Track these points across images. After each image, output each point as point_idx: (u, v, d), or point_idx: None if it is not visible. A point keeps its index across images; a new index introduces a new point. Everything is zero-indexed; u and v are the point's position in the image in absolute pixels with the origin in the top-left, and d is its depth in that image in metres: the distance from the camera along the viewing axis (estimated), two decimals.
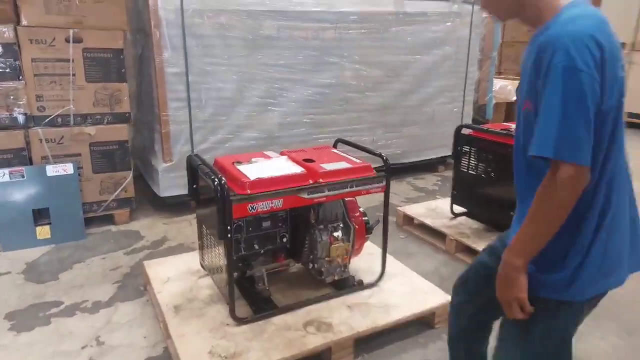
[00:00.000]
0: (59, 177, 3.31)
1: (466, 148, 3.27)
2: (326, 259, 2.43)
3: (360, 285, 2.54)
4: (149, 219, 3.79)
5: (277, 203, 2.12)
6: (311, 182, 2.20)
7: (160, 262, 2.81)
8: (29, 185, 3.23)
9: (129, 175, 3.59)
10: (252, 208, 2.07)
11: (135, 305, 2.59)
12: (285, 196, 2.13)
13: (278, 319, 2.28)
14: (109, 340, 2.30)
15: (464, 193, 3.37)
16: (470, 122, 5.11)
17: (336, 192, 2.26)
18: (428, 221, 3.42)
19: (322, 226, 2.40)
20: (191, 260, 2.75)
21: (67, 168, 3.32)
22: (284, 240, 2.28)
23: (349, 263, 2.55)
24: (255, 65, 3.79)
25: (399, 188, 4.62)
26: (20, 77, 3.09)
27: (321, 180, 2.23)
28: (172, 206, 3.82)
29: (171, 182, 3.65)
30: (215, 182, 1.99)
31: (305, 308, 2.36)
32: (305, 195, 2.18)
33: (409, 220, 3.62)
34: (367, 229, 2.57)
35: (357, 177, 2.31)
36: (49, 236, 3.31)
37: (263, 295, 2.37)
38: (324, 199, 2.24)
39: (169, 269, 2.71)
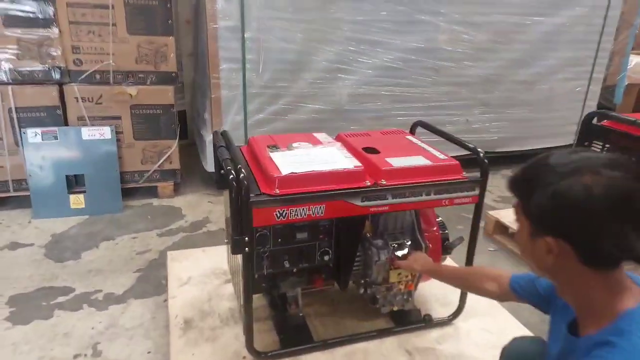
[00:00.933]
0: (95, 142, 2.95)
1: (597, 144, 2.39)
2: (383, 285, 1.79)
3: (427, 322, 1.87)
4: (195, 195, 3.36)
5: (317, 210, 1.50)
6: (369, 183, 1.55)
7: (185, 255, 2.34)
8: (62, 148, 2.91)
9: (174, 145, 3.16)
10: (281, 215, 1.47)
11: (149, 305, 2.14)
12: (329, 201, 1.50)
13: (311, 357, 1.70)
14: (107, 351, 1.88)
15: None
16: (595, 106, 4.06)
17: (405, 200, 1.58)
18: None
19: (380, 242, 1.75)
20: (222, 256, 2.24)
21: (105, 132, 2.95)
22: (326, 257, 1.66)
23: (415, 290, 1.89)
24: (326, 21, 3.12)
25: (492, 182, 3.77)
26: (55, 25, 2.71)
27: (384, 181, 1.56)
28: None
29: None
30: (231, 176, 1.42)
31: (350, 346, 1.76)
32: (359, 202, 1.53)
33: (501, 228, 2.83)
34: (445, 248, 1.88)
35: (437, 180, 1.61)
36: (83, 206, 2.99)
37: (296, 321, 1.80)
38: (386, 208, 1.58)
39: (193, 265, 2.23)
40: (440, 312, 1.95)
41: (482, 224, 2.93)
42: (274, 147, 1.71)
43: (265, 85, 3.12)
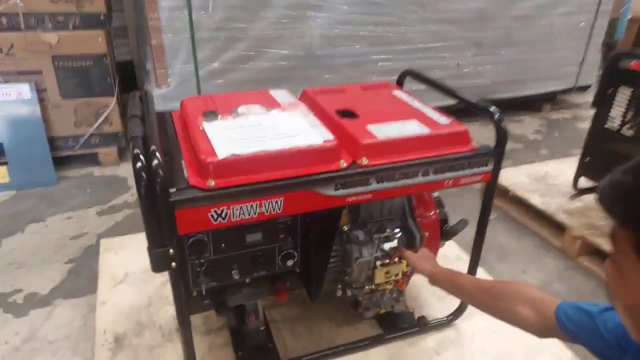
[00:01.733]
0: (12, 102, 2.41)
1: (624, 90, 1.96)
2: (366, 287, 1.40)
3: (423, 326, 1.51)
4: None
5: (273, 206, 1.07)
6: (345, 164, 1.11)
7: (123, 244, 1.91)
8: None
9: (112, 103, 2.63)
10: (219, 216, 1.03)
11: (81, 308, 1.73)
12: (289, 193, 1.07)
13: None
14: None
15: (604, 162, 2.12)
16: (599, 43, 3.60)
17: (394, 184, 1.16)
18: (536, 200, 2.24)
19: (361, 234, 1.35)
20: None
21: (22, 90, 2.41)
22: (289, 262, 1.25)
23: (407, 285, 1.51)
24: None
25: (485, 134, 3.37)
26: None
27: (365, 160, 1.13)
28: None
29: None
30: (137, 165, 0.96)
31: None
32: (331, 192, 1.11)
33: (501, 191, 2.46)
34: (445, 234, 1.49)
35: (438, 154, 1.18)
36: (7, 180, 2.49)
37: (257, 338, 1.41)
38: (369, 196, 1.16)
39: (132, 257, 1.81)
40: (437, 309, 1.59)
41: (476, 186, 2.56)
42: (211, 114, 1.24)
43: (218, 27, 2.57)
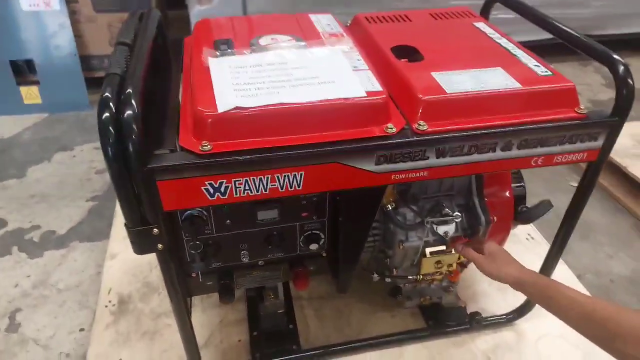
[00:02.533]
0: (40, 14, 2.20)
1: None
2: (410, 277, 1.12)
3: (475, 324, 1.23)
4: None
5: (289, 181, 0.79)
6: (394, 129, 0.79)
7: None
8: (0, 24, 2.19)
9: None
10: (217, 191, 0.77)
11: (95, 256, 1.58)
12: (313, 165, 0.78)
13: None
14: (27, 324, 1.37)
15: None
16: None
17: (460, 160, 0.83)
18: (637, 169, 1.80)
19: (410, 213, 1.05)
20: None
21: (50, 1, 2.18)
22: (313, 245, 0.98)
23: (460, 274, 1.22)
24: None
25: (581, 78, 2.82)
26: None
27: (423, 124, 0.80)
28: None
29: None
30: (104, 115, 0.70)
31: (357, 355, 1.17)
32: (371, 167, 0.80)
33: None
34: (521, 217, 1.15)
35: (528, 120, 0.83)
36: (39, 101, 2.36)
37: (274, 320, 1.19)
38: (424, 174, 0.84)
39: None
40: (496, 302, 1.30)
41: None
42: (224, 44, 0.93)
43: None
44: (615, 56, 0.86)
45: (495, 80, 0.85)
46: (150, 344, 1.17)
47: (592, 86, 2.70)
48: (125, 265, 1.38)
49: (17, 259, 1.60)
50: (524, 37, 2.65)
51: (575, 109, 0.86)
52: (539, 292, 0.87)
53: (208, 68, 0.85)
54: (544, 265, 1.14)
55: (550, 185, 1.95)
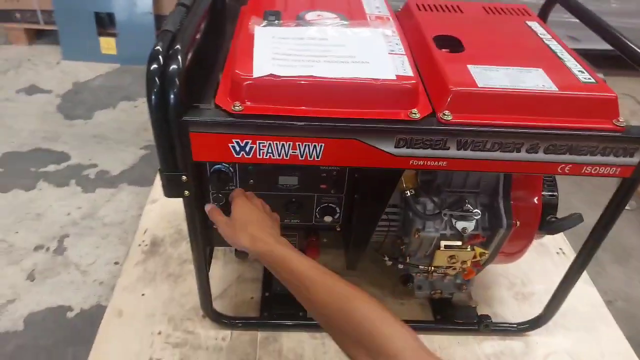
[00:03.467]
0: None
1: None
2: (421, 267, 1.14)
3: (482, 328, 1.22)
4: None
5: (309, 150, 0.83)
6: (418, 115, 0.81)
7: None
8: None
9: None
10: (242, 149, 0.82)
11: (139, 199, 1.72)
12: (333, 139, 0.81)
13: (293, 338, 1.19)
14: (72, 250, 1.53)
15: None
16: None
17: (481, 155, 0.83)
18: None
19: (430, 203, 1.06)
20: None
21: None
22: (328, 218, 1.01)
23: (475, 275, 1.22)
24: None
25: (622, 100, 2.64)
26: None
27: (448, 114, 0.81)
28: None
29: None
30: (152, 67, 0.77)
31: None
32: (390, 149, 0.82)
33: None
34: (549, 226, 1.13)
35: (558, 124, 0.81)
36: (115, 52, 2.53)
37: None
38: (443, 164, 0.85)
39: None
40: (512, 310, 1.29)
41: None
42: (273, 15, 0.97)
43: None
44: None
45: (532, 80, 0.84)
46: (173, 286, 1.27)
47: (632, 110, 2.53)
48: (164, 211, 1.49)
49: (73, 190, 1.76)
50: (592, 45, 2.54)
51: (614, 121, 0.83)
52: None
53: (253, 35, 0.90)
54: (563, 280, 1.11)
55: (594, 198, 1.87)
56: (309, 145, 0.82)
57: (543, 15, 1.20)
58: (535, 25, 1.06)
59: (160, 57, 0.77)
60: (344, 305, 0.69)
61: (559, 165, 0.85)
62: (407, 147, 0.82)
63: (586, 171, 0.86)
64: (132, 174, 1.84)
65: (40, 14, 2.50)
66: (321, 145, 0.82)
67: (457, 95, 0.81)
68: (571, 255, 1.47)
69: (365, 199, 0.96)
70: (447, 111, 0.81)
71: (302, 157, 0.83)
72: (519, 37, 1.01)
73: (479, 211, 1.05)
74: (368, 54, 0.87)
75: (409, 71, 0.84)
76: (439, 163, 0.85)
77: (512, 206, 1.07)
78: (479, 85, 0.82)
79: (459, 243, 1.08)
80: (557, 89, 0.82)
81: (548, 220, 1.12)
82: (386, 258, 1.13)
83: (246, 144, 0.81)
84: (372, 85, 0.80)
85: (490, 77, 0.84)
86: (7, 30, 2.60)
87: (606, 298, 1.48)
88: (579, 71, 0.88)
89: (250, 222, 0.86)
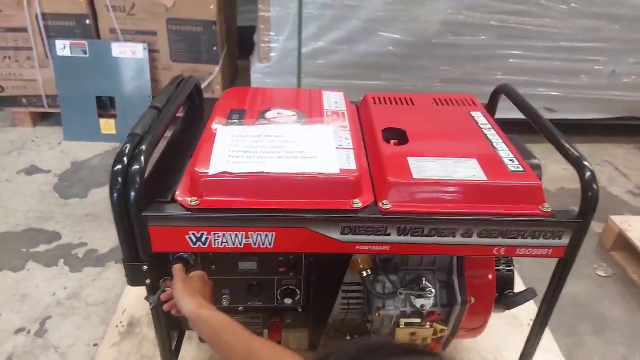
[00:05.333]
0: (126, 60, 2.54)
1: None
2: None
3: None
4: None
5: (262, 239, 0.90)
6: (360, 204, 0.89)
7: None
8: (92, 65, 2.54)
9: (215, 70, 2.64)
10: (198, 240, 0.89)
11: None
12: (283, 228, 0.89)
13: None
14: (53, 332, 1.55)
15: None
16: None
17: (420, 240, 0.90)
18: None
19: (387, 282, 1.11)
20: None
21: (137, 50, 2.52)
22: (288, 300, 1.07)
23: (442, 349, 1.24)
24: None
25: (635, 162, 2.72)
26: None
27: (387, 203, 0.89)
28: None
29: None
30: (116, 167, 0.86)
31: None
32: (336, 235, 0.89)
33: (625, 245, 1.93)
34: (505, 301, 1.17)
35: (489, 211, 0.89)
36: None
37: None
38: (386, 248, 0.92)
39: None
40: None
41: (598, 229, 2.08)
42: (237, 114, 1.09)
43: (327, 4, 2.38)
44: (585, 162, 0.91)
45: (465, 170, 0.93)
46: None
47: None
48: (143, 291, 1.54)
49: (60, 270, 1.82)
50: (571, 115, 2.67)
51: (540, 207, 0.90)
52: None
53: (215, 134, 1.00)
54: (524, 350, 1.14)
55: (573, 269, 1.89)
56: (260, 234, 0.89)
57: (492, 103, 1.31)
58: (478, 115, 1.16)
59: (124, 158, 0.86)
60: (247, 344, 0.80)
61: (493, 248, 0.92)
62: (351, 234, 0.90)
63: (520, 252, 0.93)
64: (120, 252, 1.91)
65: (45, 99, 2.69)
66: (272, 234, 0.89)
67: (394, 186, 0.90)
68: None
69: (320, 281, 1.02)
70: (386, 201, 0.90)
71: (255, 245, 0.90)
72: (460, 127, 1.11)
73: (433, 288, 1.10)
74: (317, 149, 0.96)
75: (352, 164, 0.93)
76: (383, 247, 0.92)
77: (467, 283, 1.12)
78: (415, 177, 0.91)
79: (418, 320, 1.12)
80: (486, 179, 0.90)
81: (505, 296, 1.16)
82: (347, 336, 1.17)
83: (202, 234, 0.89)
84: (317, 178, 0.89)
85: (427, 168, 0.93)
86: (13, 114, 2.78)
87: None
88: (510, 160, 0.97)
89: (198, 289, 0.92)
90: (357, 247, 0.91)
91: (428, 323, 1.11)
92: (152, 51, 2.57)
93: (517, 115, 1.17)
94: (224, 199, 0.89)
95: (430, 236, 0.90)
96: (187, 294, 0.89)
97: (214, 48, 2.59)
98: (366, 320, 1.17)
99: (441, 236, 0.90)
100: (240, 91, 1.25)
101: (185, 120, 1.24)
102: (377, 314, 1.11)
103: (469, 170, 0.93)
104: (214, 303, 1.07)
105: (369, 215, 0.88)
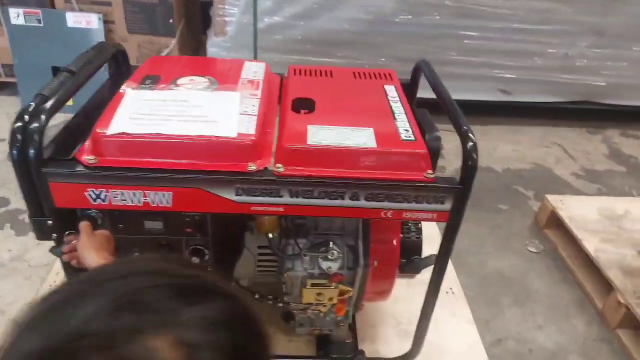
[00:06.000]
0: (82, 31, 2.53)
1: None
2: (292, 304, 1.24)
3: None
4: None
5: (160, 199, 0.94)
6: (254, 167, 0.94)
7: None
8: (47, 35, 2.53)
9: (171, 43, 2.64)
10: (97, 197, 0.94)
11: None
12: (179, 188, 0.93)
13: None
14: None
15: None
16: None
17: (310, 202, 0.96)
18: (591, 243, 1.80)
19: (291, 245, 1.16)
20: None
21: (92, 20, 2.51)
22: (197, 259, 1.12)
23: (354, 311, 1.32)
24: None
25: (584, 144, 2.80)
26: None
27: (280, 167, 0.94)
28: None
29: None
30: (16, 125, 0.89)
31: None
32: (232, 196, 0.94)
33: (557, 223, 2.01)
34: (409, 266, 1.24)
35: (373, 176, 0.94)
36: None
37: None
38: (280, 209, 0.97)
39: None
40: (392, 347, 1.37)
41: (534, 207, 2.16)
42: (151, 79, 1.12)
43: None
44: (470, 135, 0.96)
45: (357, 138, 0.97)
46: None
47: (591, 155, 2.68)
48: None
49: (6, 234, 1.85)
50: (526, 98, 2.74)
51: (424, 174, 0.96)
52: None
53: (123, 97, 1.04)
54: (421, 317, 1.21)
55: (506, 245, 1.98)
56: (158, 193, 0.94)
57: (414, 77, 1.34)
58: (390, 89, 1.20)
59: (25, 116, 0.89)
60: None
61: (381, 211, 0.97)
62: (246, 195, 0.94)
63: (407, 216, 0.98)
64: None
65: (2, 68, 2.68)
66: (170, 194, 0.94)
67: (287, 151, 0.95)
68: (460, 294, 1.57)
69: (219, 240, 1.07)
70: (280, 164, 0.94)
71: (153, 203, 0.95)
72: (369, 99, 1.15)
73: (340, 252, 1.15)
74: (219, 114, 1.00)
75: (251, 130, 0.97)
76: (277, 209, 0.97)
77: (372, 248, 1.18)
78: (308, 143, 0.95)
79: (325, 282, 1.18)
80: (375, 146, 0.95)
81: (410, 261, 1.23)
82: (257, 296, 1.23)
83: (101, 192, 0.93)
84: (213, 141, 0.93)
85: (322, 135, 0.98)
86: None
87: (498, 337, 1.57)
88: (405, 130, 1.02)
89: (101, 244, 0.95)
90: (252, 207, 0.96)
91: (333, 284, 1.18)
92: (107, 22, 2.56)
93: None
94: (123, 158, 0.93)
95: (320, 198, 0.95)
96: (93, 249, 0.94)
97: (170, 20, 2.59)
98: (279, 282, 1.24)
99: (331, 199, 0.95)
100: (163, 59, 1.29)
101: (107, 86, 1.26)
102: (286, 274, 1.17)
103: (362, 138, 0.98)
104: None
105: (261, 178, 0.93)
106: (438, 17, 2.53)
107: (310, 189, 0.94)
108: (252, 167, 0.94)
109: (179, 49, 2.68)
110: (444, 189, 0.95)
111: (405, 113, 1.09)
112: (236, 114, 1.01)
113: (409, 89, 1.29)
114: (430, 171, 0.96)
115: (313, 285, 1.18)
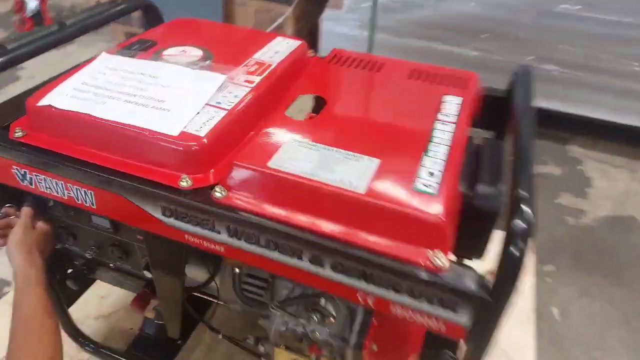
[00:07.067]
0: None
1: None
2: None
3: None
4: None
5: (83, 197, 0.73)
6: (186, 183, 0.66)
7: None
8: None
9: (287, 11, 2.43)
10: (24, 178, 0.76)
11: None
12: (101, 189, 0.70)
13: None
14: None
15: None
16: None
17: (257, 251, 0.65)
18: None
19: (259, 289, 0.86)
20: None
21: None
22: (149, 274, 0.89)
23: None
24: None
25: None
26: None
27: (222, 190, 0.64)
28: None
29: (334, 40, 2.30)
30: None
31: None
32: (158, 214, 0.68)
33: None
34: None
35: (343, 238, 0.59)
36: None
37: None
38: (221, 249, 0.68)
39: None
40: None
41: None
42: (140, 45, 0.90)
43: None
44: (524, 199, 0.54)
45: (345, 172, 0.63)
46: None
47: None
48: None
49: None
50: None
51: (430, 255, 0.57)
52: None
53: (88, 64, 0.83)
54: None
55: None
56: (80, 190, 0.72)
57: (511, 89, 0.90)
58: (451, 102, 0.80)
59: None
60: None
61: (355, 291, 0.62)
62: (175, 218, 0.68)
63: (396, 312, 0.61)
64: None
65: None
66: (91, 193, 0.72)
67: (236, 171, 0.65)
68: None
69: (158, 267, 0.82)
70: (221, 187, 0.65)
71: (78, 201, 0.74)
72: (407, 112, 0.78)
73: (331, 315, 0.82)
74: (181, 100, 0.74)
75: (204, 130, 0.69)
76: (217, 247, 0.68)
77: (374, 325, 0.82)
78: (268, 164, 0.64)
79: (303, 346, 0.87)
80: (361, 191, 0.60)
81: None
82: (220, 336, 0.96)
83: (25, 172, 0.75)
84: (143, 136, 0.68)
85: (298, 157, 0.66)
86: None
87: None
88: (430, 172, 0.64)
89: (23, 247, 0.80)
90: (185, 236, 0.69)
91: (313, 356, 0.86)
92: None
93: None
94: (49, 137, 0.73)
95: (270, 249, 0.64)
96: (24, 250, 0.80)
97: None
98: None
99: (284, 254, 0.63)
100: (189, 22, 1.05)
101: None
102: (261, 320, 0.89)
103: (354, 173, 0.63)
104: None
105: (191, 202, 0.65)
106: (621, 13, 1.87)
107: (254, 232, 0.63)
108: (186, 182, 0.66)
109: (295, 21, 2.47)
110: (456, 292, 0.55)
111: (451, 143, 0.70)
112: (200, 104, 0.73)
113: (499, 105, 0.86)
114: (439, 253, 0.57)
115: (287, 348, 0.87)
